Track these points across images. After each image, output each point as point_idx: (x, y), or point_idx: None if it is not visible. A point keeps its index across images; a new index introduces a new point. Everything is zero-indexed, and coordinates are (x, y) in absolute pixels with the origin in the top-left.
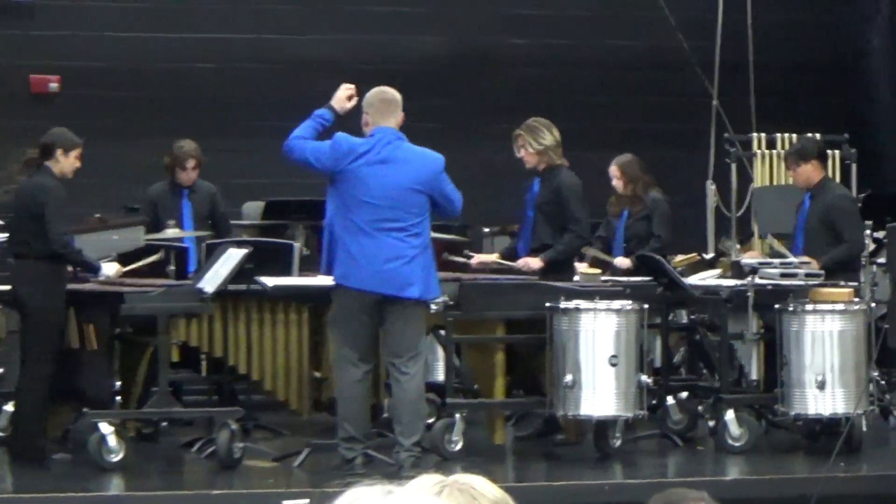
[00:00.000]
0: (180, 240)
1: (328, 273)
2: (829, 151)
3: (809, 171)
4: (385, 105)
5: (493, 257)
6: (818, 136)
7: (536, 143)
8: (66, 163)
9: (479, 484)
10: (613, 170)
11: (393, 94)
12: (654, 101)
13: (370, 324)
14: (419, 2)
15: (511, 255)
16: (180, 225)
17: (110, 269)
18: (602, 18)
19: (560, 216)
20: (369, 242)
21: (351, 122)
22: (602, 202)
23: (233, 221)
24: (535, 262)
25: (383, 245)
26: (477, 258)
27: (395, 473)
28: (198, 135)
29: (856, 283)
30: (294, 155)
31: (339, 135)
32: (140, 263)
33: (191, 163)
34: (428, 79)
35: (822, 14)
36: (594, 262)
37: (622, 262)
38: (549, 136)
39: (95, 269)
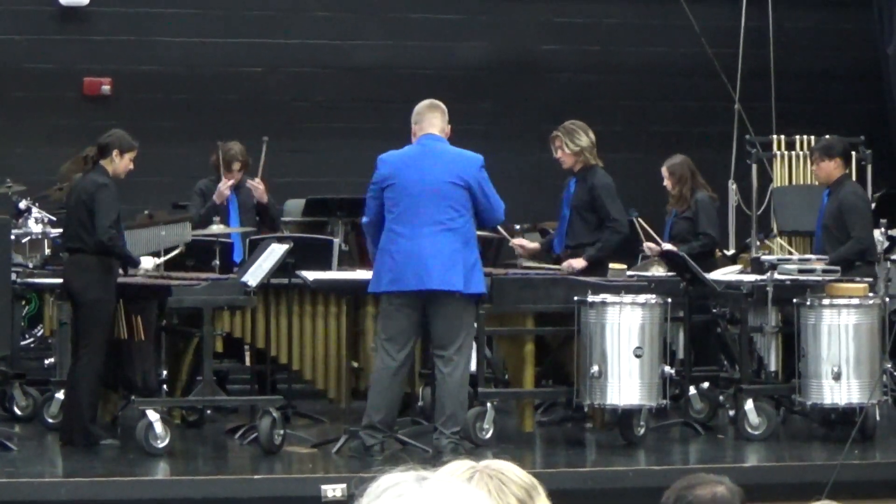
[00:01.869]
0: (226, 235)
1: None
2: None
3: (831, 168)
4: (436, 114)
5: (536, 245)
6: (833, 136)
7: (573, 144)
8: (121, 164)
9: (508, 469)
10: (663, 170)
11: (437, 103)
12: (680, 104)
13: (414, 317)
14: (462, 10)
15: (548, 248)
16: (227, 221)
17: (147, 262)
18: (633, 27)
19: (595, 214)
20: (410, 241)
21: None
22: (631, 201)
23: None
24: (578, 263)
25: (426, 241)
26: (517, 240)
27: (430, 460)
28: (243, 136)
29: (871, 279)
30: (367, 219)
31: (381, 156)
32: (165, 258)
33: (236, 165)
34: (469, 84)
35: (840, 22)
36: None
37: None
38: (585, 138)
39: (135, 263)
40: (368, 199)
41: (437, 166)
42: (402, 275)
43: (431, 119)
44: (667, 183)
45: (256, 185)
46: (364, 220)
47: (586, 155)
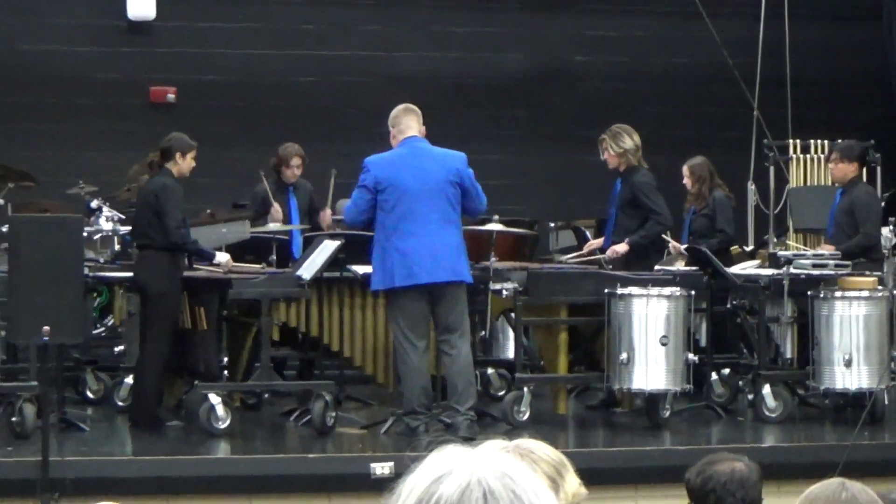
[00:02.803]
0: (286, 232)
1: None
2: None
3: (847, 169)
4: (412, 117)
5: (599, 242)
6: (845, 140)
7: (617, 146)
8: (184, 164)
9: (539, 448)
10: (684, 170)
11: (412, 107)
12: (702, 111)
13: (427, 306)
14: (500, 24)
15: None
16: (288, 219)
17: (223, 257)
18: (658, 39)
19: (639, 212)
20: (419, 237)
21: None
22: None
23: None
24: (621, 248)
25: (434, 237)
26: (589, 245)
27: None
28: (296, 140)
29: (880, 273)
30: (349, 218)
31: (367, 159)
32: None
33: (295, 161)
34: (504, 92)
35: (851, 34)
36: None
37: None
38: (630, 141)
39: (210, 257)
40: (360, 201)
41: (433, 166)
42: (414, 269)
43: (409, 122)
44: (687, 181)
45: (325, 217)
46: (350, 218)
47: (630, 157)
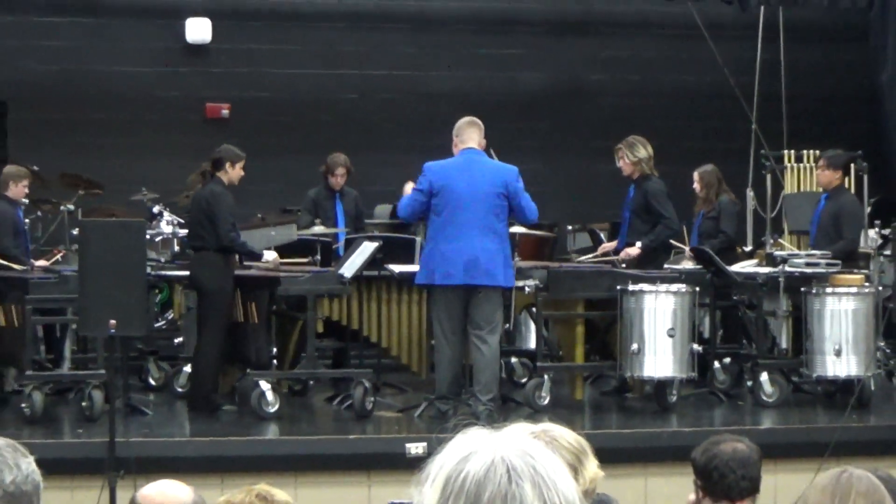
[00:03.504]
0: (327, 234)
1: None
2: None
3: (832, 176)
4: (474, 130)
5: (612, 245)
6: (835, 150)
7: (633, 155)
8: (233, 173)
9: (561, 433)
10: (695, 176)
11: (476, 120)
12: (706, 124)
13: (462, 304)
14: (522, 45)
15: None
16: (335, 223)
17: (270, 255)
18: (666, 59)
19: (651, 216)
20: (459, 242)
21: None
22: None
23: (367, 221)
24: (633, 250)
25: (474, 242)
26: (603, 248)
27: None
28: (338, 150)
29: (866, 271)
30: (402, 214)
31: (427, 164)
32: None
33: (340, 170)
34: (527, 107)
35: (841, 55)
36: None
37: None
38: (644, 151)
39: (258, 257)
40: (415, 203)
41: (483, 177)
42: (452, 270)
43: (471, 134)
44: (696, 186)
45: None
46: (404, 214)
47: (643, 165)
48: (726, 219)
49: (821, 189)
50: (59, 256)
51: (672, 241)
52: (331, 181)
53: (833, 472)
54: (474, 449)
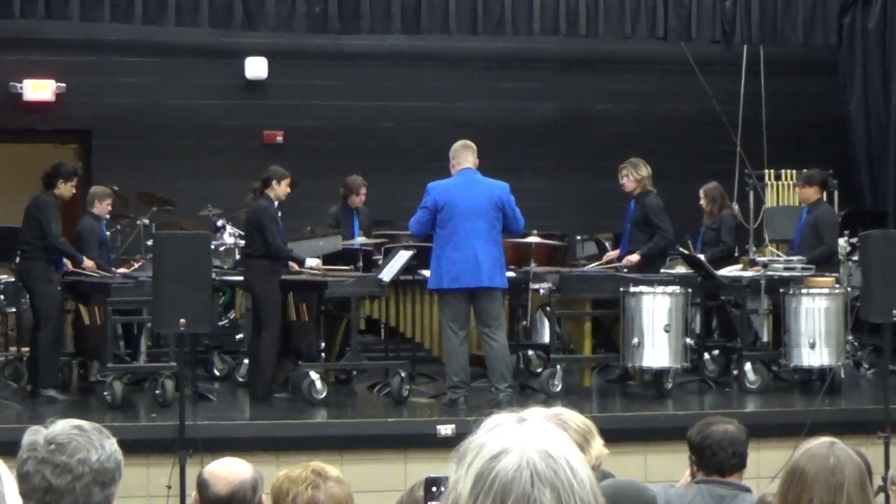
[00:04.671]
0: (369, 245)
1: None
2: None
3: (811, 193)
4: (468, 152)
5: (616, 253)
6: (810, 169)
7: (636, 173)
8: (280, 189)
9: (570, 416)
10: (701, 192)
11: (469, 143)
12: (696, 147)
13: (468, 304)
14: (535, 79)
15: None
16: (352, 235)
17: (313, 262)
18: (661, 90)
19: (649, 228)
20: (465, 250)
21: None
22: None
23: (400, 233)
24: (634, 257)
25: (478, 250)
26: (608, 256)
27: (492, 408)
28: (377, 172)
29: (837, 274)
30: (413, 230)
31: (430, 185)
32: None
33: (362, 190)
34: (542, 133)
35: (815, 86)
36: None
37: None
38: (645, 170)
39: (301, 262)
40: (422, 219)
41: (482, 193)
42: (460, 275)
43: (466, 156)
44: (702, 202)
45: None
46: (414, 230)
47: (645, 183)
48: (726, 231)
49: (798, 204)
50: (137, 265)
51: (680, 249)
52: (353, 200)
53: (822, 445)
54: (505, 447)
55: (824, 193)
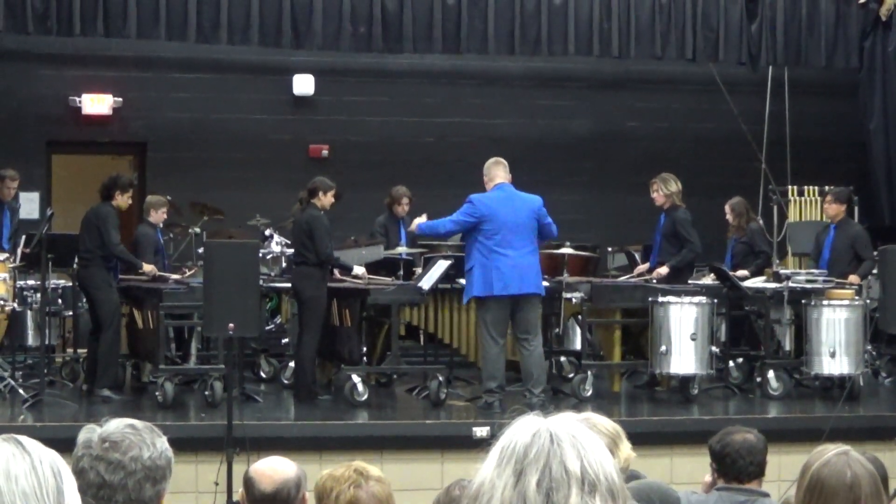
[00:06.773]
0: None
1: None
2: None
3: (839, 209)
4: (501, 167)
5: (646, 266)
6: (831, 186)
7: (667, 188)
8: (325, 199)
9: (599, 420)
10: (726, 207)
11: (500, 159)
12: (723, 164)
13: (507, 312)
14: (570, 97)
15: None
16: (397, 244)
17: (359, 270)
18: (690, 110)
19: (678, 240)
20: (510, 258)
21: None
22: None
23: (440, 243)
24: (663, 270)
25: (524, 259)
26: (638, 269)
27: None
28: (418, 184)
29: (857, 286)
30: (444, 230)
31: (473, 196)
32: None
33: (406, 199)
34: (577, 149)
35: (836, 106)
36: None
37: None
38: (675, 185)
39: (349, 269)
40: (465, 223)
41: (522, 206)
42: (509, 283)
43: (498, 171)
44: (728, 216)
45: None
46: (446, 230)
47: (674, 197)
48: (760, 241)
49: (822, 219)
50: (190, 272)
51: (714, 264)
52: (396, 210)
53: (837, 462)
54: (524, 424)
55: (846, 209)
